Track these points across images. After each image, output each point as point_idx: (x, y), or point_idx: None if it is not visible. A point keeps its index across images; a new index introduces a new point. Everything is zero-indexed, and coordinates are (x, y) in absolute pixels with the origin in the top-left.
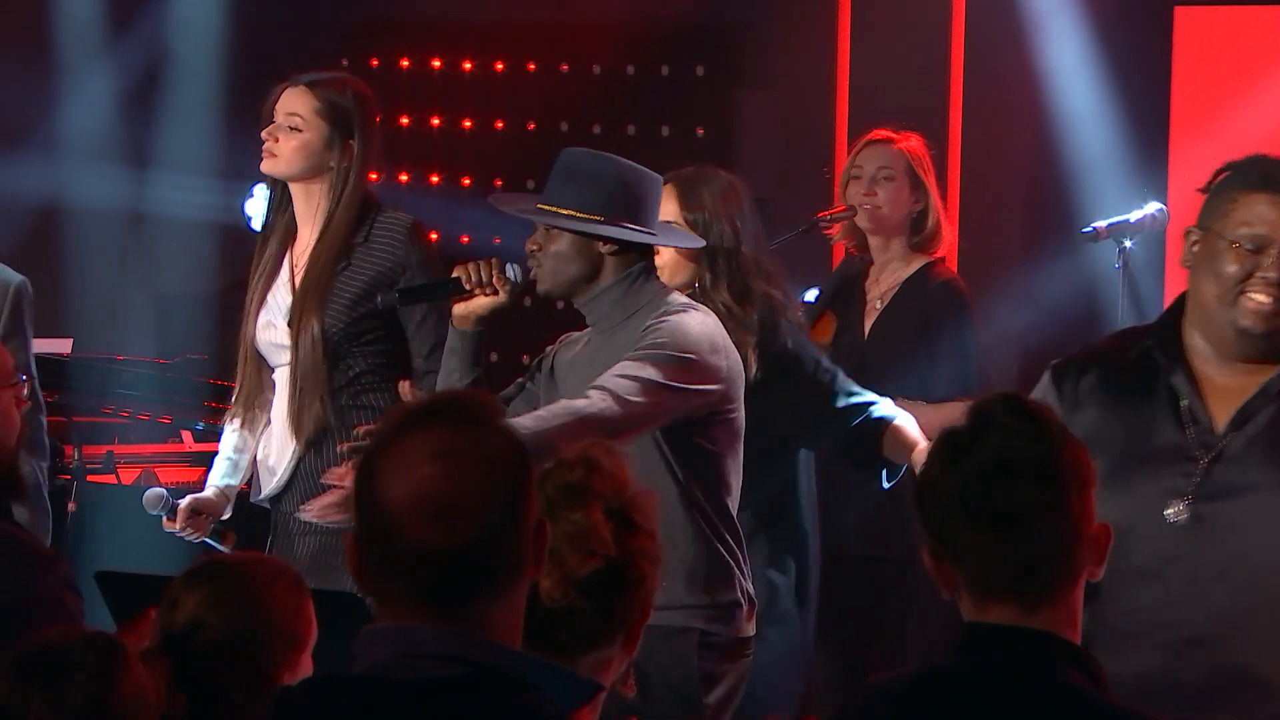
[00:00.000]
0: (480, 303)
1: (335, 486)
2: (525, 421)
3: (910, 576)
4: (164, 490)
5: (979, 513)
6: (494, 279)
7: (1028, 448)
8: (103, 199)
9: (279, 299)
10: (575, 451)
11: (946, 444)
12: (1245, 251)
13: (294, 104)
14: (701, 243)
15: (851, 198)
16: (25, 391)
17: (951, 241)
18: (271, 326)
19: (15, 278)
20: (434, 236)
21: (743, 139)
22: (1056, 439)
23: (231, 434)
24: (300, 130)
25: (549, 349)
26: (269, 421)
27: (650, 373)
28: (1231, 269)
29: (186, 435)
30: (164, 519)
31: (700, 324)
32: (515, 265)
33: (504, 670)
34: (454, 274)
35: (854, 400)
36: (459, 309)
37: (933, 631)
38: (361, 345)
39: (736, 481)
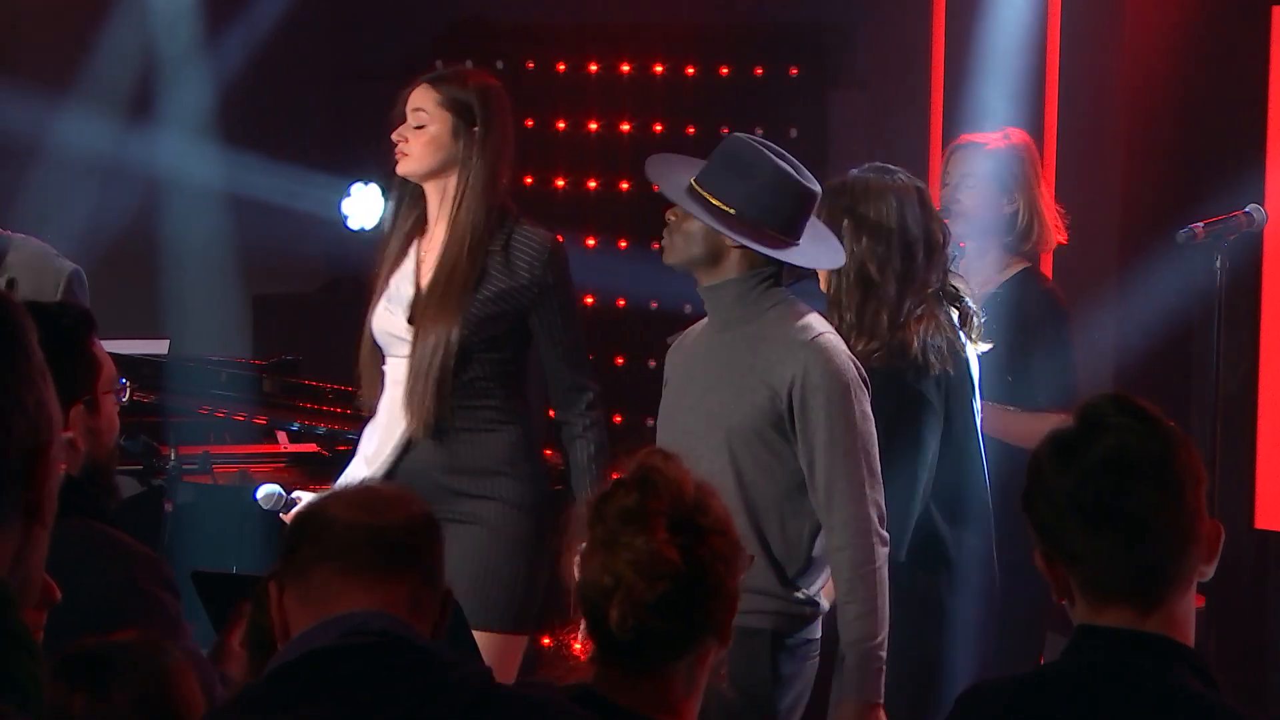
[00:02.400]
0: None
1: None
2: (859, 611)
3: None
4: (278, 487)
5: (1095, 514)
6: None
7: (1143, 447)
8: (199, 200)
9: (402, 290)
10: (631, 467)
11: (1057, 446)
12: None
13: (418, 100)
14: (830, 264)
15: (941, 203)
16: (125, 396)
17: (1063, 235)
18: (389, 316)
19: (68, 266)
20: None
21: (836, 140)
22: (1170, 437)
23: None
24: (425, 125)
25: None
26: (374, 412)
27: (858, 466)
28: None
29: (282, 436)
30: (280, 515)
31: (843, 356)
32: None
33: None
34: None
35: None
36: None
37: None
38: (483, 353)
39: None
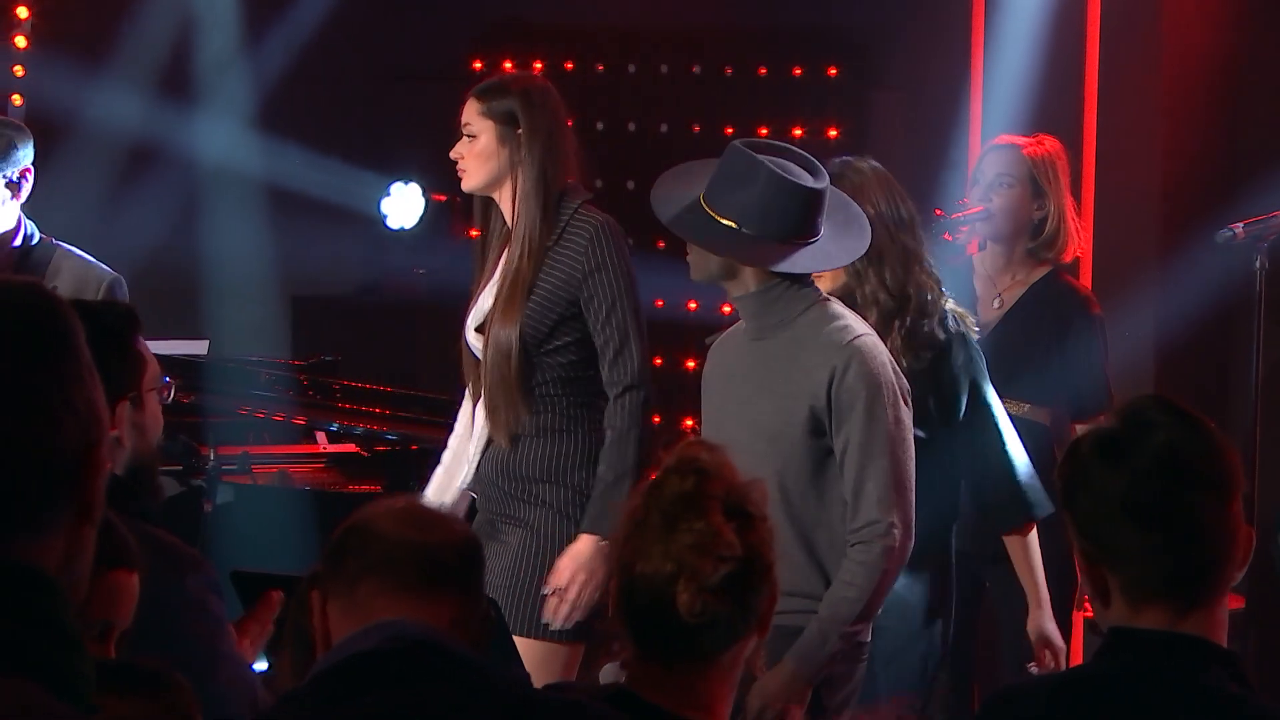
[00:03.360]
0: None
1: (555, 592)
2: (848, 594)
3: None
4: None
5: (1144, 514)
6: None
7: (1193, 446)
8: (239, 202)
9: (484, 302)
10: (678, 456)
11: (1102, 446)
12: None
13: (466, 115)
14: (843, 260)
15: (972, 202)
16: (169, 395)
17: (1078, 248)
18: (472, 331)
19: (108, 274)
20: None
21: (876, 140)
22: (1215, 438)
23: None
24: (475, 138)
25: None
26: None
27: (887, 470)
28: None
29: (321, 436)
30: None
31: (881, 359)
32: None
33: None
34: None
35: (1006, 452)
36: None
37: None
38: (545, 356)
39: None
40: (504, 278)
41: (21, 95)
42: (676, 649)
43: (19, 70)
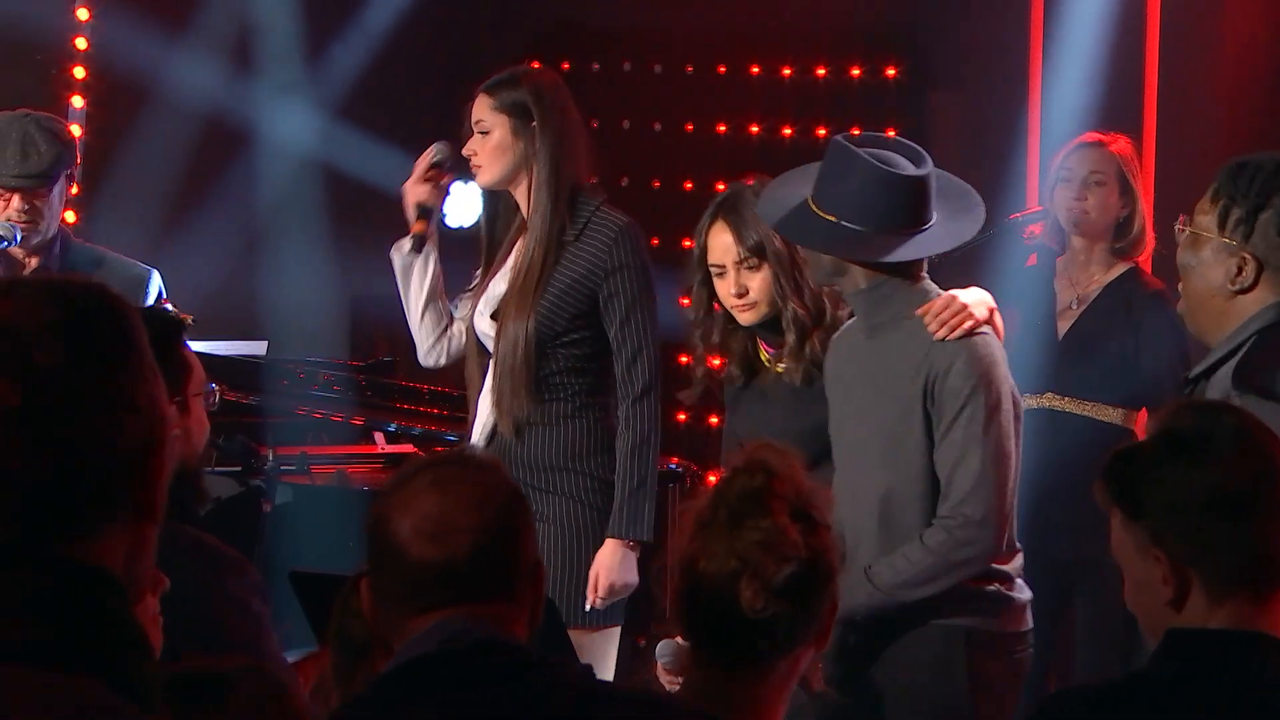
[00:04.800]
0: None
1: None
2: (907, 570)
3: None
4: (452, 150)
5: (1235, 504)
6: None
7: (1262, 434)
8: (298, 203)
9: (496, 290)
10: (748, 456)
11: (1177, 445)
12: None
13: (477, 111)
14: (951, 244)
15: (1060, 201)
16: (215, 400)
17: (1151, 246)
18: (482, 316)
19: (142, 269)
20: (655, 241)
21: (935, 140)
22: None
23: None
24: (488, 133)
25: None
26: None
27: (985, 468)
28: None
29: (379, 436)
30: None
31: (988, 355)
32: (443, 145)
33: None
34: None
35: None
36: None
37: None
38: (559, 347)
39: None
40: (518, 269)
41: (85, 67)
42: (736, 650)
43: (82, 47)
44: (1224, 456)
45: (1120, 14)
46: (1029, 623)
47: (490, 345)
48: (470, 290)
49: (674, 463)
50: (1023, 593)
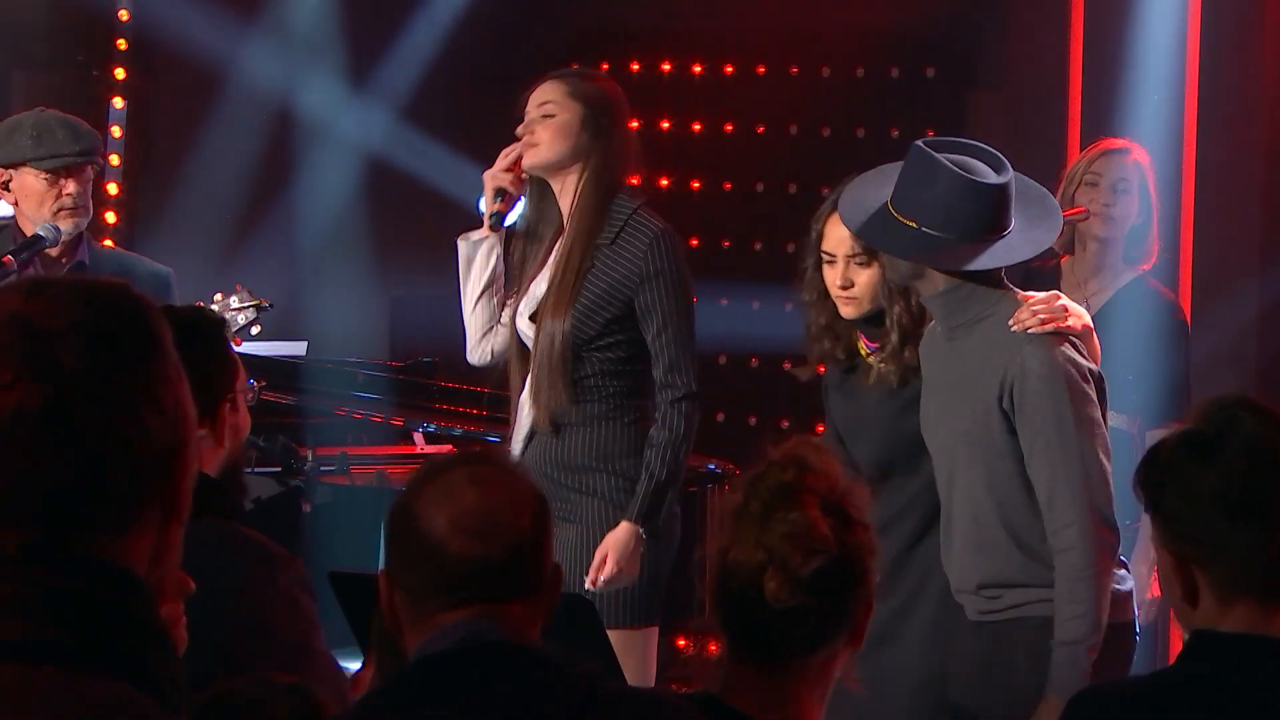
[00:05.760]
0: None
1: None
2: (1076, 611)
3: None
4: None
5: (1237, 507)
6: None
7: (1278, 438)
8: (337, 205)
9: (537, 290)
10: (783, 451)
11: (1189, 445)
12: None
13: (546, 93)
14: (1032, 252)
15: (1084, 204)
16: (255, 396)
17: (1181, 250)
18: (523, 317)
19: (163, 270)
20: (694, 242)
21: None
22: None
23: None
24: (554, 115)
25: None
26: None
27: (1077, 467)
28: None
29: (418, 437)
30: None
31: (1064, 352)
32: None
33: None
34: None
35: None
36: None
37: None
38: (595, 350)
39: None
40: (557, 267)
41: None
42: (763, 643)
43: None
44: (1233, 458)
45: (1161, 14)
46: (1132, 613)
47: (530, 345)
48: (512, 292)
49: (712, 463)
50: (1123, 583)
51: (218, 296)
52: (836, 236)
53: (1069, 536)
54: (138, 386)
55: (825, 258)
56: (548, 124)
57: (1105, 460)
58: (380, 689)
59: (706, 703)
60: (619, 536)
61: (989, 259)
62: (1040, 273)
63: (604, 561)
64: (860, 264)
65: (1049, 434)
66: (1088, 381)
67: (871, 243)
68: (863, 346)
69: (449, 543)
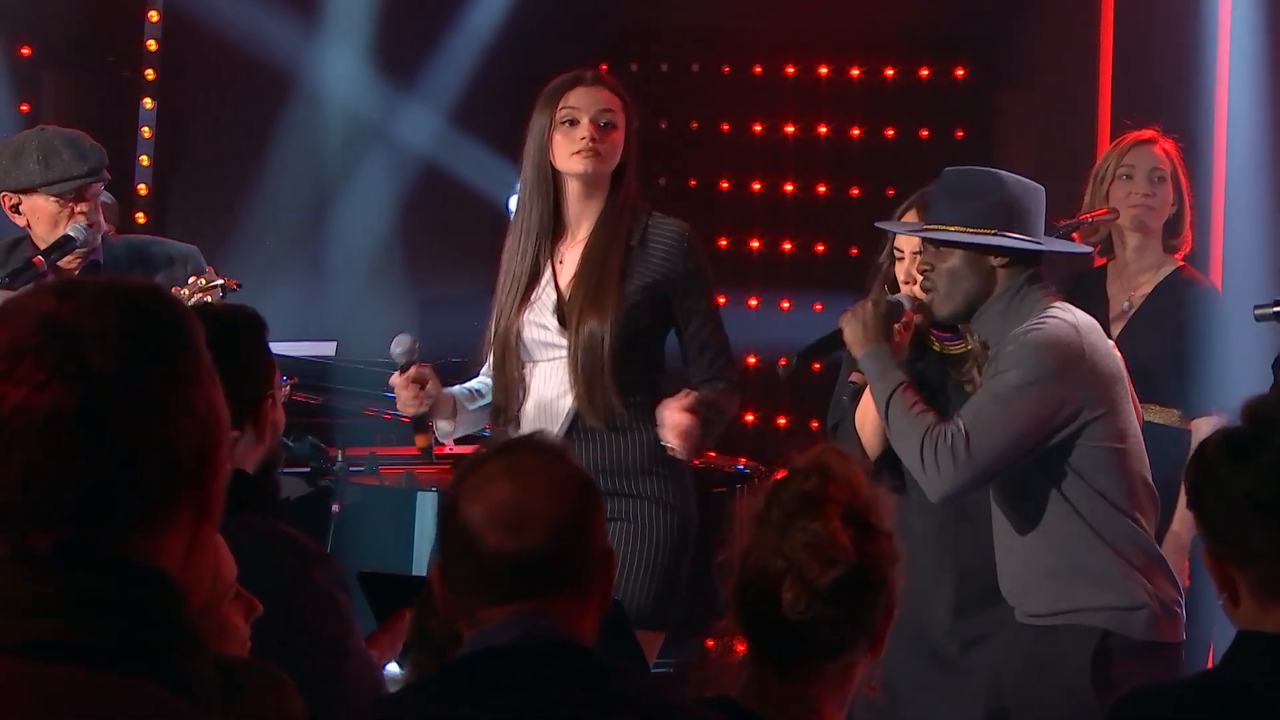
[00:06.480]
0: None
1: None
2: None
3: None
4: (413, 341)
5: (1270, 510)
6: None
7: None
8: (366, 206)
9: (544, 295)
10: (807, 458)
11: (1230, 444)
12: None
13: (606, 100)
14: (1091, 250)
15: (1120, 197)
16: (287, 393)
17: (1212, 242)
18: (535, 325)
19: (181, 248)
20: (723, 243)
21: (1003, 142)
22: None
23: (479, 380)
24: (616, 126)
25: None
26: (516, 415)
27: (999, 413)
28: None
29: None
30: (396, 369)
31: (1052, 338)
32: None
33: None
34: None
35: None
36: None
37: None
38: (629, 351)
39: (1129, 479)
40: (588, 269)
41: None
42: (783, 649)
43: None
44: (1262, 463)
45: (1190, 13)
46: (1181, 635)
47: (544, 352)
48: (506, 295)
49: (742, 463)
50: (1177, 607)
51: (192, 279)
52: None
53: (952, 430)
54: (170, 387)
55: (896, 253)
56: (611, 134)
57: (1020, 430)
58: (433, 675)
59: (725, 705)
60: (690, 424)
61: (1065, 246)
62: (1087, 276)
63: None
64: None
65: (991, 389)
66: (1079, 379)
67: (946, 237)
68: (933, 339)
69: (485, 536)
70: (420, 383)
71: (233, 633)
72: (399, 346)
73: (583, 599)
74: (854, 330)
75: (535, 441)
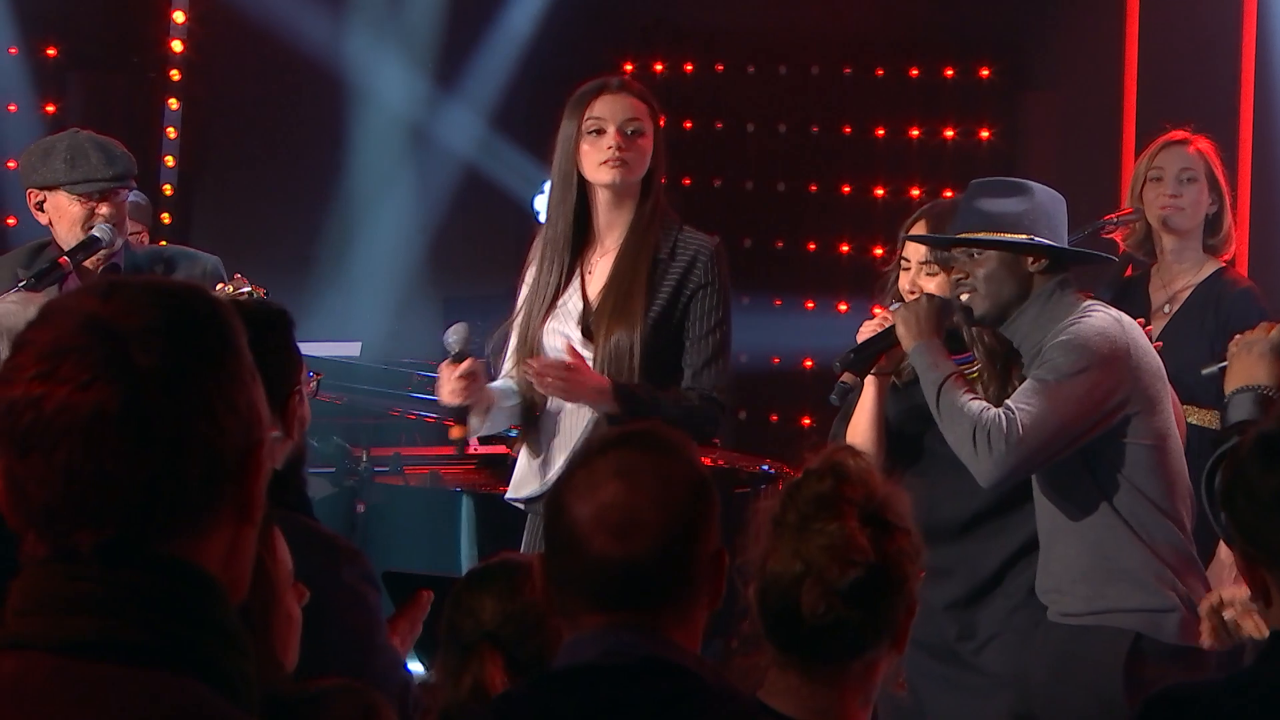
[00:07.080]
0: None
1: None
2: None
3: None
4: (469, 331)
5: None
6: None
7: None
8: (391, 205)
9: (570, 304)
10: (821, 460)
11: (1264, 446)
12: None
13: (633, 108)
14: (1115, 257)
15: (1151, 199)
16: (315, 388)
17: (1237, 244)
18: (558, 334)
19: (205, 258)
20: (747, 242)
21: (1028, 142)
22: None
23: (504, 380)
24: (644, 135)
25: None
26: (537, 423)
27: (1048, 399)
28: None
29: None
30: (447, 358)
31: (1099, 329)
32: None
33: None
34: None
35: None
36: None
37: None
38: (658, 363)
39: (1170, 479)
40: (618, 281)
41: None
42: (805, 650)
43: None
44: None
45: (1216, 13)
46: (1203, 641)
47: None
48: (535, 309)
49: (765, 464)
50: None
51: (219, 286)
52: (914, 244)
53: (1007, 414)
54: (212, 387)
55: (903, 263)
56: (638, 143)
57: (1070, 418)
58: (523, 687)
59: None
60: (593, 379)
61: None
62: (1131, 282)
63: (564, 365)
64: (929, 274)
65: (1041, 375)
66: (1124, 375)
67: (987, 241)
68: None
69: (590, 540)
70: (470, 376)
71: (293, 621)
72: (454, 335)
73: (689, 604)
74: (906, 323)
75: (649, 436)
